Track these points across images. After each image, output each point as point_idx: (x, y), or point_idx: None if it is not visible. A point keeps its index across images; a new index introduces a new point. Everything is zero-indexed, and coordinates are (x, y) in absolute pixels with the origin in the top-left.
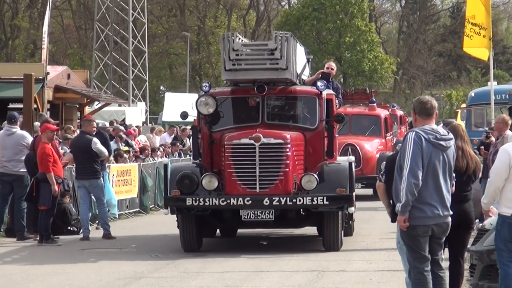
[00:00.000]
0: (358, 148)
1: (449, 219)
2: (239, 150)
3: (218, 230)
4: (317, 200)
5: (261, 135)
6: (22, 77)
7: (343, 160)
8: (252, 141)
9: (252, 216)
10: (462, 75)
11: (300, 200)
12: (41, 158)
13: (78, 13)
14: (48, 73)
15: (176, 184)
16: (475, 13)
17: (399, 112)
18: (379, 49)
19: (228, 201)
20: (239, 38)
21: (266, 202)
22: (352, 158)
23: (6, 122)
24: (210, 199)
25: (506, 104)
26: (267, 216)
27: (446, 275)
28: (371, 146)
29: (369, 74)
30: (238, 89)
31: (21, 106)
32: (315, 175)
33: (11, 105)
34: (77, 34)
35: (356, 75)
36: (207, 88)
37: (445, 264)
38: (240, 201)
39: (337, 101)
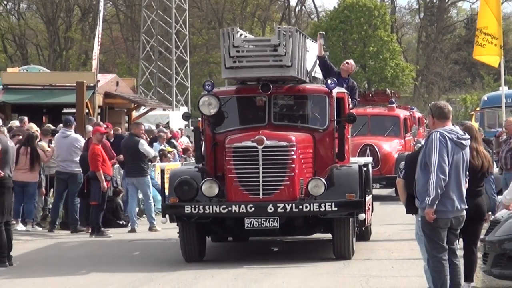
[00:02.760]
0: (376, 148)
1: (465, 212)
2: (241, 153)
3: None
4: (325, 206)
5: (264, 137)
6: (75, 84)
7: (357, 162)
8: (255, 144)
9: (256, 224)
10: (476, 81)
11: (306, 207)
12: (91, 157)
13: (125, 26)
14: (98, 81)
15: (174, 191)
16: (488, 24)
17: (418, 114)
18: (400, 58)
19: (230, 208)
20: (240, 34)
21: (270, 209)
22: (362, 160)
23: (62, 125)
24: (211, 207)
25: None
26: (271, 224)
27: (460, 262)
28: (390, 146)
29: (391, 80)
30: (243, 88)
31: (74, 111)
32: (323, 180)
33: (65, 110)
34: (125, 45)
35: (379, 81)
36: (210, 87)
37: (459, 253)
38: (243, 208)
39: (350, 101)
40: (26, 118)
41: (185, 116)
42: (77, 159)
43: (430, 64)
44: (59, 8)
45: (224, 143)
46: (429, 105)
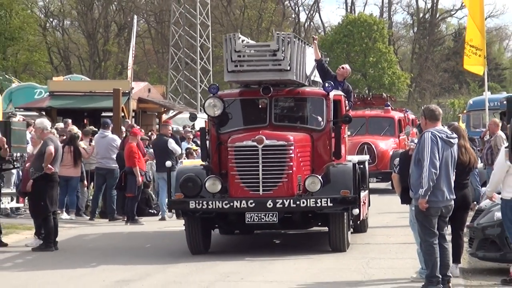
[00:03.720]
0: (373, 146)
1: (453, 202)
2: (242, 152)
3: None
4: (321, 202)
5: (264, 137)
6: (112, 91)
7: (355, 160)
8: (255, 143)
9: (256, 219)
10: (463, 87)
11: (303, 202)
12: (129, 155)
13: (156, 40)
14: (132, 88)
15: (180, 187)
16: (473, 37)
17: (411, 116)
18: (396, 67)
19: (232, 203)
20: (242, 40)
21: (270, 204)
22: (356, 158)
23: (101, 127)
24: (214, 202)
25: (497, 110)
26: (270, 218)
27: (449, 246)
28: (386, 144)
29: (389, 86)
30: (246, 91)
31: (111, 114)
32: (319, 177)
33: (103, 114)
34: (156, 57)
35: (378, 87)
36: (215, 90)
37: (448, 238)
38: (244, 204)
39: (347, 102)
40: (69, 121)
41: (192, 117)
42: (114, 156)
43: (423, 72)
44: (98, 24)
45: (227, 142)
46: (422, 108)
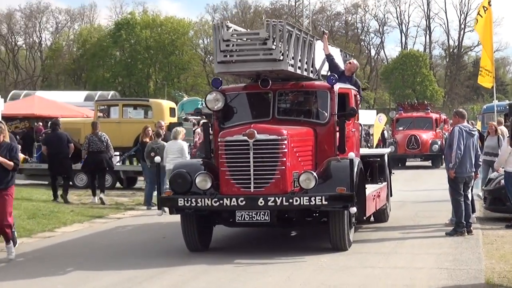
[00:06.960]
0: (418, 137)
1: (473, 173)
2: (232, 147)
3: None
4: (315, 200)
5: (255, 131)
6: None
7: (352, 156)
8: (246, 138)
9: (247, 218)
10: (479, 97)
11: (297, 200)
12: None
13: None
14: None
15: (170, 184)
16: (486, 64)
17: (444, 117)
18: (435, 84)
19: (221, 201)
20: (233, 29)
21: (261, 202)
22: (353, 154)
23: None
24: (203, 200)
25: (503, 112)
26: (262, 217)
27: (470, 203)
28: (427, 135)
29: (430, 97)
30: (250, 85)
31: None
32: (314, 173)
33: None
34: None
35: (423, 98)
36: (218, 84)
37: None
38: (234, 202)
39: (358, 97)
40: None
41: (197, 112)
42: None
43: (453, 88)
44: None
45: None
46: (454, 110)
